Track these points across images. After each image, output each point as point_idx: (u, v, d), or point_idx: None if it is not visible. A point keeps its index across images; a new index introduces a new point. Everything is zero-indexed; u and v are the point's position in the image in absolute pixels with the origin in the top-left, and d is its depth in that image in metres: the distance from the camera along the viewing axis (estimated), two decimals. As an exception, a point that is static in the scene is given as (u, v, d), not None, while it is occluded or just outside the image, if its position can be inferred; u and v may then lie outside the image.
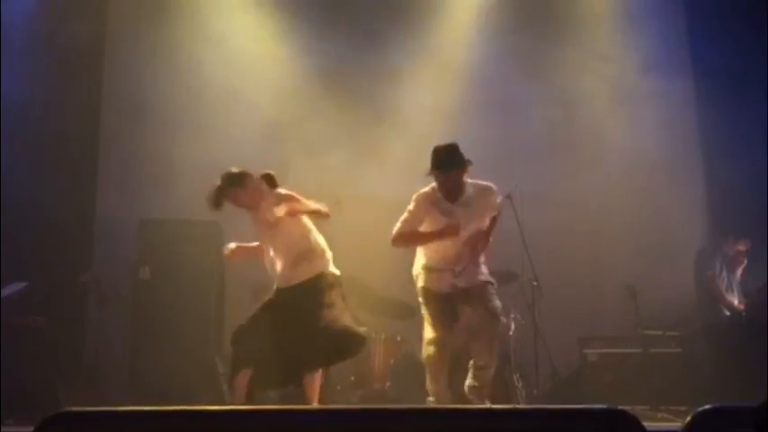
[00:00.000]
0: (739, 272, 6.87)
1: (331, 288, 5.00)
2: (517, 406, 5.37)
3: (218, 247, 6.89)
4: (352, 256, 5.81)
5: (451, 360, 5.07)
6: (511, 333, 6.43)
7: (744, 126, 7.16)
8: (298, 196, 4.95)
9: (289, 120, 7.62)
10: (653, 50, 7.78)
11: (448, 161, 4.88)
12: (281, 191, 5.01)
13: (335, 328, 4.87)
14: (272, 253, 5.02)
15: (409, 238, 5.04)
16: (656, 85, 7.61)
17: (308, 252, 5.02)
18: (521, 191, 5.90)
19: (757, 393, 4.86)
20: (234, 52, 7.77)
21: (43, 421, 1.89)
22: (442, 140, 5.03)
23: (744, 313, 6.67)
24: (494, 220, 5.05)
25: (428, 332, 4.99)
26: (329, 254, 5.09)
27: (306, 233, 5.05)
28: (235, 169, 5.06)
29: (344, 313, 5.01)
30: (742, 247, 6.82)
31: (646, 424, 1.97)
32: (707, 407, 1.97)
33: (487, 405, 4.61)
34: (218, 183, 5.02)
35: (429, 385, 5.04)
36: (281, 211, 4.82)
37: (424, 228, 5.00)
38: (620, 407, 1.99)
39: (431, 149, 4.98)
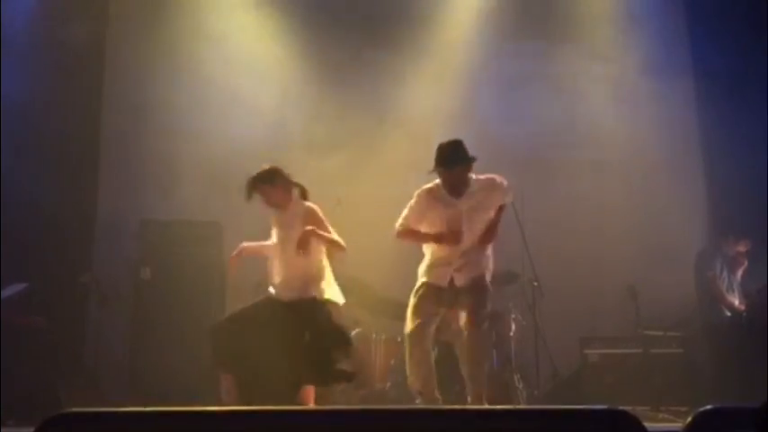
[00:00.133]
0: (740, 272, 6.86)
1: (329, 316, 5.05)
2: (518, 406, 5.38)
3: (219, 247, 6.93)
4: (353, 256, 5.80)
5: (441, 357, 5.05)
6: (511, 334, 6.42)
7: (744, 126, 7.15)
8: (325, 220, 5.01)
9: (290, 120, 7.63)
10: (653, 51, 7.78)
11: (452, 158, 4.88)
12: (313, 207, 5.03)
13: (325, 360, 4.92)
14: (280, 260, 5.03)
15: (410, 236, 5.05)
16: (657, 85, 7.61)
17: (317, 274, 5.07)
18: (522, 191, 5.90)
19: (758, 394, 4.87)
20: (235, 52, 7.78)
21: (44, 422, 1.89)
22: (444, 140, 5.03)
23: (744, 314, 6.67)
24: (500, 209, 5.01)
25: (409, 321, 4.94)
26: (335, 284, 5.16)
27: (320, 255, 5.10)
28: (266, 166, 5.07)
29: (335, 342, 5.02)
30: (742, 248, 6.82)
31: (646, 424, 1.97)
32: (708, 407, 1.97)
33: (487, 405, 4.60)
34: (253, 175, 5.03)
35: (410, 381, 4.95)
36: (307, 229, 4.87)
37: (427, 223, 4.99)
38: (620, 407, 1.99)
39: (432, 149, 4.98)
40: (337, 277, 6.23)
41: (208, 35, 7.74)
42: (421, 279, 5.04)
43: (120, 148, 7.63)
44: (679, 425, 2.36)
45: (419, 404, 4.93)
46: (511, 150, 7.50)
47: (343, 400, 6.09)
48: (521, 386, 6.23)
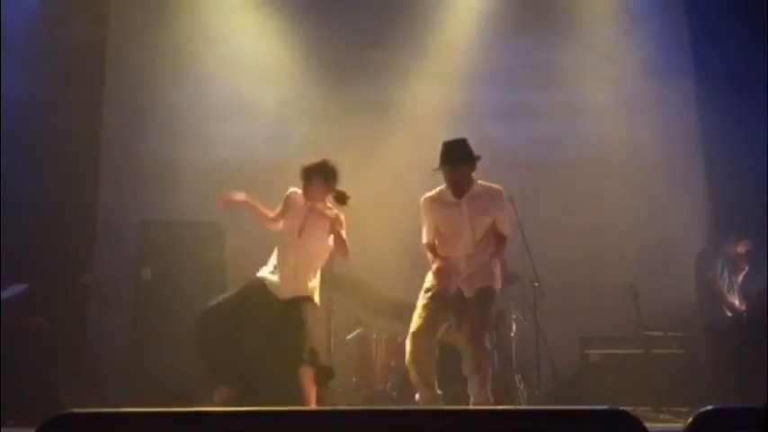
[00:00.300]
0: (740, 273, 6.86)
1: (315, 315, 5.07)
2: (519, 407, 5.39)
3: (220, 248, 6.94)
4: (355, 256, 5.81)
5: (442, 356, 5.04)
6: (512, 334, 6.43)
7: (744, 127, 7.15)
8: (344, 224, 5.05)
9: (291, 121, 7.63)
10: (654, 52, 7.78)
11: (457, 156, 4.89)
12: (341, 214, 5.07)
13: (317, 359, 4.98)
14: (292, 253, 5.02)
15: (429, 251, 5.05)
16: (657, 86, 7.61)
17: (317, 275, 5.12)
18: (522, 191, 5.90)
19: (759, 394, 4.87)
20: (236, 53, 7.78)
21: (45, 423, 1.89)
22: (442, 141, 5.03)
23: (745, 314, 6.67)
24: (503, 222, 5.01)
25: (414, 320, 4.91)
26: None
27: (326, 256, 5.14)
28: (331, 162, 5.11)
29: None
30: (743, 248, 6.82)
31: (647, 425, 1.97)
32: (708, 408, 1.97)
33: (489, 406, 4.59)
34: (320, 161, 5.07)
35: (415, 372, 4.90)
36: (332, 230, 4.96)
37: (432, 227, 5.00)
38: (621, 408, 1.99)
39: (434, 150, 4.98)
40: (338, 277, 6.25)
41: (208, 36, 7.75)
42: (427, 284, 5.00)
43: (121, 148, 7.64)
44: (680, 425, 2.36)
45: (419, 400, 4.94)
46: (512, 151, 7.51)
47: (344, 400, 6.09)
48: (521, 386, 6.24)
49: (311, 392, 4.97)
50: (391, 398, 6.15)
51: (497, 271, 5.04)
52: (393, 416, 2.01)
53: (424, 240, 5.04)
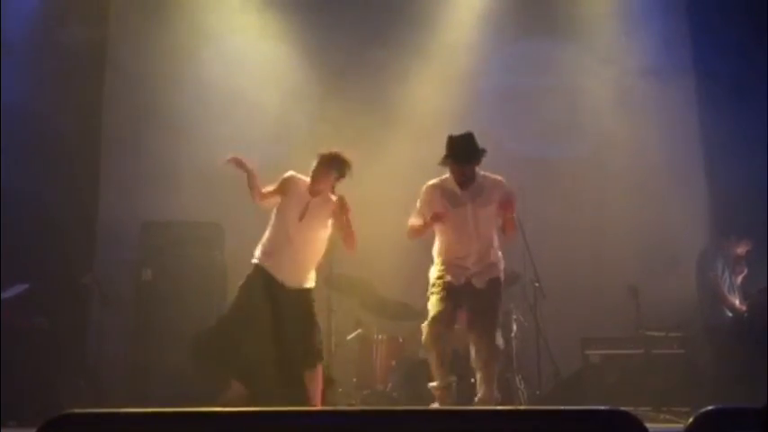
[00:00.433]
0: (741, 273, 6.86)
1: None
2: (519, 407, 5.39)
3: (220, 248, 6.94)
4: (356, 256, 5.81)
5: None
6: (513, 334, 6.42)
7: (745, 127, 7.15)
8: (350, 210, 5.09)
9: (292, 121, 7.63)
10: (654, 52, 7.78)
11: (464, 153, 4.93)
12: (344, 200, 5.09)
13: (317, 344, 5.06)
14: (294, 243, 5.04)
15: (414, 229, 5.05)
16: (658, 85, 7.61)
17: (315, 264, 5.16)
18: (523, 191, 5.89)
19: (759, 394, 4.86)
20: (236, 53, 7.78)
21: (45, 423, 1.89)
22: (443, 142, 5.04)
23: (746, 314, 6.66)
24: (510, 205, 5.00)
25: (428, 320, 4.94)
26: None
27: (323, 246, 5.17)
28: (345, 155, 5.14)
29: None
30: (744, 248, 6.82)
31: (648, 425, 1.97)
32: (709, 408, 1.97)
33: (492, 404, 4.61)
34: (337, 153, 5.10)
35: (433, 369, 4.96)
36: (336, 215, 5.02)
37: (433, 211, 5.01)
38: (622, 408, 1.98)
39: (435, 149, 4.99)
40: (339, 277, 6.25)
41: (209, 36, 7.74)
42: (436, 275, 5.02)
43: (121, 149, 7.64)
44: (680, 426, 2.36)
45: (433, 391, 4.95)
46: (512, 150, 7.49)
47: (345, 400, 6.09)
48: (522, 387, 6.24)
49: (317, 394, 4.98)
50: (391, 398, 6.15)
51: (502, 262, 5.07)
52: (393, 416, 2.01)
53: (412, 221, 5.02)
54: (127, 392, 6.46)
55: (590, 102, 7.76)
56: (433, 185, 5.05)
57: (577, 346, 6.78)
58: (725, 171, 7.34)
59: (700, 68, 7.80)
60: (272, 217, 5.17)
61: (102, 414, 1.98)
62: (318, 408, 4.83)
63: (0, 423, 4.97)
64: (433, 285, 5.02)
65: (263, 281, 5.03)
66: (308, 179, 5.14)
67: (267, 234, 5.15)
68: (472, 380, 5.32)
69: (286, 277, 5.03)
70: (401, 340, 6.54)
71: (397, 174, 6.96)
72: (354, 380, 6.42)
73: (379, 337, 6.48)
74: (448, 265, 5.00)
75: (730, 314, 6.71)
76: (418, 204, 5.08)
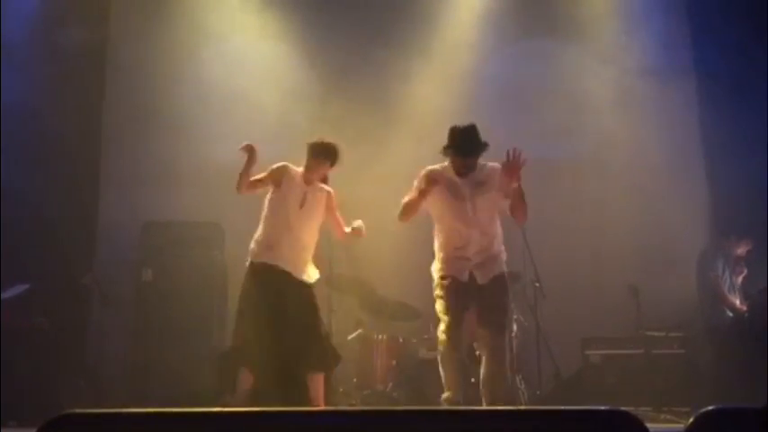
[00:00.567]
0: (741, 273, 6.86)
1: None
2: (519, 407, 5.38)
3: (221, 249, 6.94)
4: (356, 256, 5.81)
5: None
6: (513, 335, 6.42)
7: (745, 126, 7.15)
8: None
9: (292, 121, 7.62)
10: (655, 52, 7.77)
11: (467, 146, 4.91)
12: (332, 191, 5.27)
13: (328, 340, 5.14)
14: (293, 235, 5.06)
15: (407, 208, 4.98)
16: (658, 85, 7.60)
17: (312, 253, 5.19)
18: (523, 191, 5.89)
19: (760, 394, 4.87)
20: (237, 52, 7.78)
21: (45, 423, 1.89)
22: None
23: (746, 314, 6.66)
24: (517, 190, 4.97)
25: (442, 324, 4.87)
26: None
27: (317, 235, 5.25)
28: (335, 143, 5.20)
29: None
30: (744, 248, 6.82)
31: (648, 425, 1.96)
32: (710, 408, 1.96)
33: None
34: (329, 142, 5.16)
35: (444, 378, 4.88)
36: (329, 209, 5.17)
37: (431, 202, 4.98)
38: (622, 408, 1.98)
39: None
40: (339, 278, 6.25)
41: (209, 35, 7.74)
42: (439, 273, 4.97)
43: (121, 149, 7.64)
44: (681, 426, 2.36)
45: (444, 403, 4.87)
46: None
47: (345, 400, 6.09)
48: (522, 387, 6.24)
49: (320, 395, 4.99)
50: (392, 398, 6.15)
51: (504, 255, 5.05)
52: (394, 416, 2.01)
53: (406, 200, 4.98)
54: (127, 392, 6.46)
55: (590, 101, 7.75)
56: (432, 170, 5.00)
57: (578, 346, 6.78)
58: (725, 171, 7.34)
59: (700, 68, 7.80)
60: (266, 209, 5.15)
61: (102, 414, 1.98)
62: (319, 408, 4.83)
63: (0, 423, 4.97)
64: (438, 286, 4.96)
65: (265, 277, 5.02)
66: (300, 169, 5.16)
67: (263, 228, 5.13)
68: (473, 380, 5.31)
69: (290, 266, 5.04)
70: (401, 340, 6.55)
71: (398, 173, 6.95)
72: (355, 380, 6.42)
73: (380, 337, 6.48)
74: (449, 259, 4.94)
75: (731, 314, 6.71)
76: (414, 185, 5.02)
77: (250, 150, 5.10)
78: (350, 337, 6.56)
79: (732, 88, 7.32)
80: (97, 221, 7.48)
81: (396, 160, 7.23)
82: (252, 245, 5.14)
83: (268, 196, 5.15)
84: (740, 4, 7.46)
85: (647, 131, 7.63)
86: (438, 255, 5.03)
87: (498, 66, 7.97)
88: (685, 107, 7.78)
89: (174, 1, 7.81)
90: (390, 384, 6.32)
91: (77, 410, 1.97)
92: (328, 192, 5.25)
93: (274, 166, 5.16)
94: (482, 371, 4.86)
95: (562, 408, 2.10)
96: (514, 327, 6.47)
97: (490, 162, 5.06)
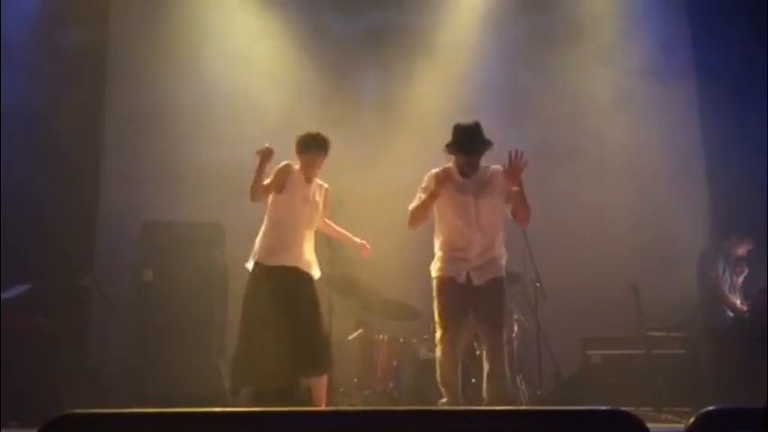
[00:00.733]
0: (742, 273, 6.86)
1: None
2: (520, 407, 5.38)
3: (221, 249, 6.94)
4: (356, 257, 5.81)
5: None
6: (514, 335, 6.42)
7: (745, 127, 7.15)
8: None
9: (293, 120, 7.62)
10: (655, 53, 7.77)
11: (472, 143, 4.91)
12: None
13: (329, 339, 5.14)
14: (300, 232, 5.08)
15: (415, 213, 4.99)
16: (658, 87, 7.60)
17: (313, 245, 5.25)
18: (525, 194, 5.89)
19: (761, 394, 4.86)
20: (238, 52, 7.78)
21: (46, 424, 1.89)
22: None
23: (747, 314, 6.66)
24: (519, 189, 4.98)
25: (439, 327, 4.89)
26: None
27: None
28: (323, 134, 5.20)
29: None
30: (745, 248, 6.82)
31: (649, 425, 1.96)
32: (711, 408, 1.96)
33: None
34: (316, 132, 5.17)
35: (440, 381, 4.89)
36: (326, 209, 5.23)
37: (438, 204, 4.98)
38: (623, 408, 1.98)
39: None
40: (340, 278, 6.25)
41: (210, 34, 7.74)
42: (437, 274, 4.97)
43: (122, 148, 7.64)
44: (682, 426, 2.36)
45: (443, 405, 4.89)
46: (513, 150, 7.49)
47: (346, 400, 6.09)
48: (523, 387, 6.24)
49: (322, 396, 4.99)
50: (392, 398, 6.15)
51: (504, 258, 5.05)
52: (394, 416, 2.01)
53: (414, 205, 4.99)
54: (127, 393, 6.45)
55: (590, 102, 7.76)
56: (438, 172, 5.00)
57: (578, 346, 6.78)
58: (725, 171, 7.34)
59: (700, 69, 7.80)
60: (272, 210, 5.12)
61: (102, 414, 1.98)
62: (320, 408, 4.83)
63: (0, 423, 4.97)
64: (436, 287, 4.96)
65: (282, 281, 5.00)
66: (297, 166, 5.16)
67: (271, 229, 5.10)
68: (473, 380, 5.31)
69: (303, 265, 5.07)
70: (402, 340, 6.54)
71: (399, 173, 6.96)
72: (355, 380, 6.42)
73: (380, 337, 6.48)
74: (448, 259, 4.95)
75: (731, 314, 6.71)
76: (419, 189, 5.03)
77: (267, 153, 5.06)
78: (350, 337, 6.56)
79: (732, 88, 7.33)
80: (97, 221, 7.48)
81: (397, 160, 7.24)
82: (259, 246, 5.10)
83: (272, 196, 5.13)
84: (740, 5, 7.46)
85: (648, 132, 7.63)
86: (438, 254, 5.03)
87: (499, 66, 7.97)
88: (685, 107, 7.78)
89: (174, 0, 7.81)
90: (391, 384, 6.32)
91: (78, 411, 1.97)
92: (326, 188, 5.30)
93: (279, 166, 5.14)
94: (484, 370, 4.86)
95: (563, 408, 2.10)
96: (515, 327, 6.47)
97: (492, 165, 5.06)
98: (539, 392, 6.44)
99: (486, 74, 7.89)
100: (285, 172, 5.10)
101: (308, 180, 5.16)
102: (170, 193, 7.30)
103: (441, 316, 4.88)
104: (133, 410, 2.01)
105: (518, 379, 6.20)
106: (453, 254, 4.94)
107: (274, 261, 5.01)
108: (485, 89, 7.81)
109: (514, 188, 4.93)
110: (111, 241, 7.33)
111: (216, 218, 7.01)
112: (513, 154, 4.88)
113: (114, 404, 5.85)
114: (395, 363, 6.41)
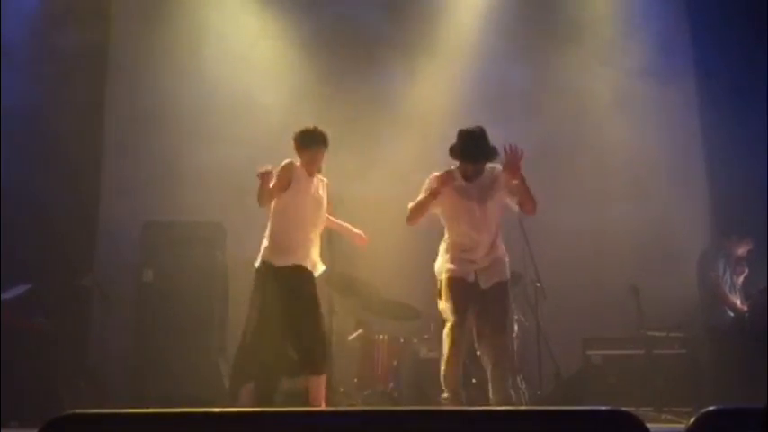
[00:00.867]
0: (742, 273, 6.86)
1: None
2: (520, 407, 5.38)
3: (222, 249, 6.93)
4: (356, 257, 5.81)
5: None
6: (514, 335, 6.42)
7: (745, 127, 7.15)
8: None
9: (294, 121, 7.61)
10: (655, 53, 7.78)
11: (476, 152, 4.92)
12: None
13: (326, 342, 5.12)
14: (307, 229, 5.06)
15: (415, 209, 4.99)
16: (658, 87, 7.61)
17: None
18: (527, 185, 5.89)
19: (761, 394, 4.86)
20: (239, 52, 7.77)
21: (46, 424, 1.89)
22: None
23: (747, 314, 6.66)
24: (520, 181, 4.98)
25: (449, 315, 4.87)
26: None
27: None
28: (320, 128, 5.18)
29: None
30: (745, 248, 6.82)
31: (649, 425, 1.96)
32: (711, 408, 1.96)
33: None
34: (314, 127, 5.16)
35: (444, 375, 4.89)
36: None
37: (440, 205, 4.99)
38: (623, 408, 1.98)
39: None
40: (340, 278, 6.25)
41: (210, 35, 7.73)
42: (445, 274, 4.96)
43: (123, 148, 7.64)
44: (682, 426, 2.36)
45: (444, 402, 4.89)
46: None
47: (346, 400, 6.09)
48: (523, 387, 6.24)
49: (321, 395, 4.99)
50: (393, 398, 6.15)
51: (507, 259, 5.06)
52: (394, 416, 2.01)
53: (414, 202, 4.99)
54: (128, 393, 6.46)
55: (591, 101, 7.76)
56: (439, 174, 5.00)
57: (579, 346, 6.78)
58: (726, 171, 7.35)
59: (700, 69, 7.81)
60: (278, 210, 5.08)
61: (103, 414, 1.98)
62: (320, 408, 4.83)
63: (1, 423, 4.97)
64: (445, 286, 4.94)
65: (295, 280, 4.99)
66: (298, 163, 5.15)
67: (279, 228, 5.07)
68: (473, 380, 5.31)
69: (311, 265, 5.06)
70: (402, 340, 6.54)
71: (401, 173, 6.96)
72: (355, 380, 6.42)
73: (381, 337, 6.48)
74: (456, 260, 4.95)
75: (731, 314, 6.71)
76: (423, 191, 5.02)
77: (267, 175, 5.03)
78: (351, 337, 6.56)
79: (732, 88, 7.33)
80: (98, 221, 7.48)
81: (398, 160, 7.24)
82: (268, 246, 5.06)
83: (279, 197, 5.10)
84: (740, 5, 7.46)
85: (648, 132, 7.63)
86: (445, 255, 5.03)
87: (499, 66, 7.97)
88: (685, 107, 7.79)
89: (174, 0, 7.80)
90: (391, 384, 6.32)
91: (78, 411, 1.97)
92: (326, 182, 5.29)
93: (282, 165, 5.10)
94: (485, 357, 4.87)
95: (563, 408, 2.10)
96: (515, 327, 6.47)
97: (493, 165, 5.06)
98: (539, 392, 6.44)
99: (486, 74, 7.89)
100: (289, 170, 5.07)
101: (311, 175, 5.15)
102: (170, 192, 7.29)
103: (451, 308, 4.86)
104: (133, 410, 2.01)
105: (518, 379, 6.20)
106: (461, 255, 4.95)
107: (282, 261, 5.00)
108: (485, 89, 7.81)
109: (515, 181, 4.93)
110: (112, 241, 7.32)
111: (217, 218, 7.01)
112: (507, 148, 4.88)
113: (114, 404, 5.85)
114: (395, 363, 6.41)
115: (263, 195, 4.99)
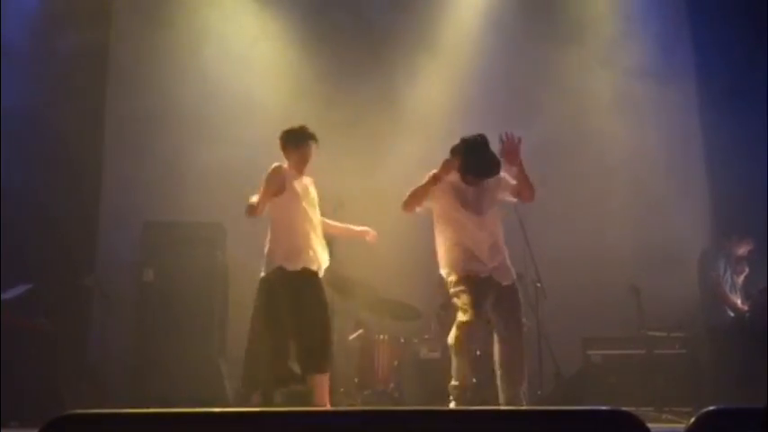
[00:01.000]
0: (743, 273, 6.86)
1: None
2: (520, 407, 5.38)
3: (222, 249, 6.93)
4: (356, 257, 5.81)
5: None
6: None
7: (746, 127, 7.15)
8: None
9: (296, 121, 7.60)
10: (655, 53, 7.78)
11: (483, 164, 4.89)
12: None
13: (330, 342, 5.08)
14: (306, 230, 5.04)
15: (412, 196, 4.96)
16: (658, 87, 7.61)
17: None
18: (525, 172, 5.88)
19: (761, 395, 4.86)
20: (239, 52, 7.77)
21: (47, 424, 1.89)
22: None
23: (747, 314, 6.66)
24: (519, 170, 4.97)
25: (461, 315, 4.81)
26: None
27: None
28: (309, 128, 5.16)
29: None
30: (745, 248, 6.82)
31: (650, 425, 1.96)
32: (711, 408, 1.96)
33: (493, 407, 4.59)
34: (300, 126, 5.16)
35: (455, 366, 4.84)
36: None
37: (437, 204, 4.99)
38: (623, 408, 1.98)
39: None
40: (341, 278, 6.25)
41: (212, 34, 7.73)
42: (460, 275, 4.89)
43: (123, 149, 7.63)
44: (682, 426, 2.35)
45: (452, 390, 4.86)
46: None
47: (346, 400, 6.09)
48: (523, 387, 6.22)
49: (326, 395, 4.99)
50: (393, 398, 6.15)
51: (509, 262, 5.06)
52: (394, 416, 2.01)
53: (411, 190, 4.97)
54: (128, 393, 6.46)
55: (591, 101, 7.76)
56: (444, 162, 4.98)
57: (579, 346, 6.78)
58: (726, 171, 7.35)
59: (700, 69, 7.81)
60: (277, 214, 5.06)
61: (103, 414, 1.98)
62: (320, 408, 4.83)
63: (1, 423, 4.97)
64: (456, 284, 4.88)
65: (304, 283, 4.97)
66: (286, 164, 5.12)
67: (282, 233, 5.03)
68: (474, 380, 5.29)
69: (315, 263, 5.04)
70: (403, 340, 6.55)
71: (400, 174, 6.96)
72: (356, 380, 6.42)
73: (381, 337, 6.49)
74: (464, 259, 4.91)
75: (732, 314, 6.71)
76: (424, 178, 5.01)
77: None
78: (351, 337, 6.56)
79: (732, 89, 7.33)
80: (98, 221, 7.48)
81: (398, 160, 7.24)
82: (278, 252, 5.00)
83: (272, 201, 5.05)
84: (740, 4, 7.46)
85: (648, 132, 7.64)
86: (451, 255, 4.98)
87: (500, 66, 7.97)
88: (685, 108, 7.79)
89: (174, 1, 7.81)
90: (391, 384, 6.33)
91: (79, 411, 1.97)
92: (312, 179, 5.26)
93: (272, 169, 5.02)
94: (500, 358, 4.86)
95: (563, 408, 2.10)
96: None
97: None
98: (539, 392, 6.43)
99: (487, 73, 7.89)
100: (280, 174, 5.02)
101: (301, 175, 5.13)
102: (171, 192, 7.30)
103: (467, 306, 4.77)
104: (133, 410, 2.01)
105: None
106: (466, 254, 4.93)
107: (293, 266, 4.95)
108: (486, 89, 7.81)
109: (514, 168, 4.93)
110: (112, 241, 7.32)
111: (217, 218, 7.01)
112: (504, 136, 4.86)
113: (114, 404, 5.85)
114: (395, 363, 6.41)
115: (258, 204, 4.93)
